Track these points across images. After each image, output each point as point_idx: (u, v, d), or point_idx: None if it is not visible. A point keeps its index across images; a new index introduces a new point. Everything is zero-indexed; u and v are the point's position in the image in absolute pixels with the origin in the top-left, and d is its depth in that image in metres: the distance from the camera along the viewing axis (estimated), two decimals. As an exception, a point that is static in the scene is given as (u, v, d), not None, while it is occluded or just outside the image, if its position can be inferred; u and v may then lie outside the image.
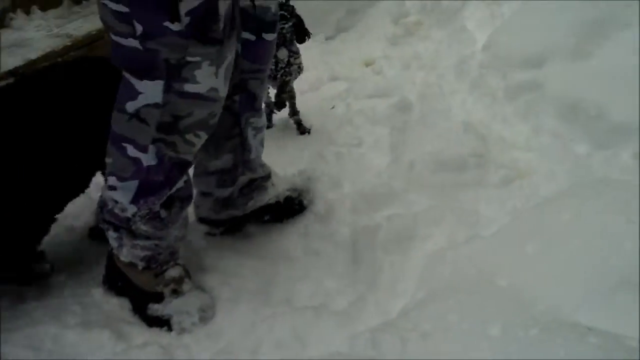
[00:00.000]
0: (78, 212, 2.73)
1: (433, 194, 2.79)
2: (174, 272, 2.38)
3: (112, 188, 2.20)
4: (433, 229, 2.57)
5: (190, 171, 2.39)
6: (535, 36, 3.45)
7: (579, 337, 1.83)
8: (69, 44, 3.93)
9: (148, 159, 2.12)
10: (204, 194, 2.65)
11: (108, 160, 2.19)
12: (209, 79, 2.07)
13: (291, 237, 2.72)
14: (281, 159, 3.05)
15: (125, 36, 1.96)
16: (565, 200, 2.43)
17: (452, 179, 2.86)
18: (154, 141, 2.10)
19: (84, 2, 4.49)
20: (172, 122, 2.09)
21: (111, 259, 2.42)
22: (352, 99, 3.58)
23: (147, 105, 2.04)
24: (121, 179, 2.17)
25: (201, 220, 2.72)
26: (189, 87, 2.05)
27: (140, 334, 2.33)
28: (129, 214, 2.21)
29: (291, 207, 2.81)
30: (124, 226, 2.25)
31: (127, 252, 2.32)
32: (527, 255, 2.21)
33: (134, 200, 2.19)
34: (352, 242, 2.62)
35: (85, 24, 4.20)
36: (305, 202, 2.83)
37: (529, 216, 2.45)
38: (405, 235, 2.56)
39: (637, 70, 3.00)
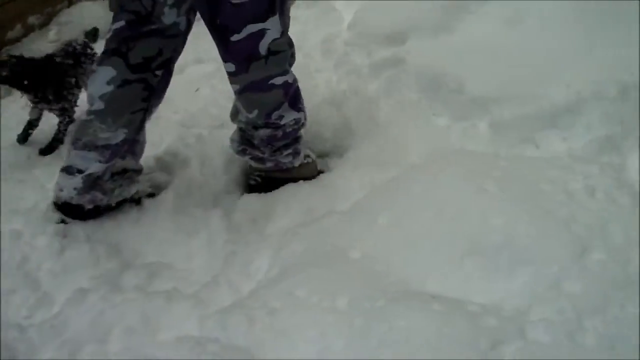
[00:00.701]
0: None
1: (294, 172, 2.74)
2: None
3: (280, 117, 2.55)
4: (291, 206, 2.53)
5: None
6: (399, 13, 3.46)
7: (422, 305, 1.84)
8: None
9: (291, 76, 2.55)
10: (75, 171, 2.53)
11: (253, 113, 2.53)
12: None
13: (147, 220, 2.62)
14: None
15: None
16: (420, 172, 2.45)
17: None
18: (288, 59, 2.51)
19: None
20: (290, 40, 2.51)
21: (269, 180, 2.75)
22: (218, 81, 3.47)
23: (276, 39, 2.37)
24: (280, 106, 2.52)
25: (60, 206, 2.59)
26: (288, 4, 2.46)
27: (-19, 331, 2.20)
28: (303, 119, 2.65)
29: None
30: (297, 136, 2.68)
31: (302, 154, 2.74)
32: (380, 227, 2.21)
33: (298, 109, 2.60)
34: (207, 223, 2.55)
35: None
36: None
37: (384, 189, 2.45)
38: (262, 213, 2.53)
39: (495, 44, 3.04)
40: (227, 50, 2.41)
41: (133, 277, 2.36)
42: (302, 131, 2.72)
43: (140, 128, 2.57)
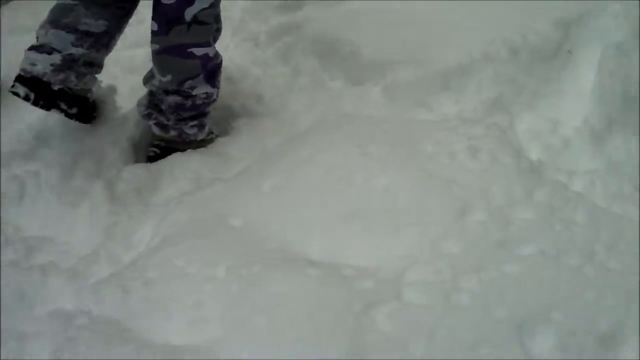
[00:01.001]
0: None
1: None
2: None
3: (192, 87, 2.57)
4: (178, 175, 2.48)
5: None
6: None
7: (298, 271, 1.80)
8: None
9: (213, 50, 2.60)
10: (51, 50, 2.55)
11: (166, 77, 2.55)
12: None
13: (29, 195, 2.52)
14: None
15: None
16: (309, 137, 2.41)
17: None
18: (212, 33, 2.59)
19: None
20: (218, 14, 2.62)
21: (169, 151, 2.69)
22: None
23: (204, 9, 2.46)
24: (195, 77, 2.56)
25: (28, 79, 2.53)
26: None
27: None
28: (215, 95, 2.67)
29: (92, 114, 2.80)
30: (205, 111, 2.67)
31: (208, 127, 2.73)
32: (265, 194, 2.17)
33: (213, 85, 2.63)
34: (91, 195, 2.47)
35: None
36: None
37: (272, 155, 2.41)
38: (148, 183, 2.47)
39: (389, 9, 3.04)
40: (156, 10, 2.50)
41: (11, 252, 2.26)
42: (211, 107, 2.71)
43: (119, 25, 2.69)
